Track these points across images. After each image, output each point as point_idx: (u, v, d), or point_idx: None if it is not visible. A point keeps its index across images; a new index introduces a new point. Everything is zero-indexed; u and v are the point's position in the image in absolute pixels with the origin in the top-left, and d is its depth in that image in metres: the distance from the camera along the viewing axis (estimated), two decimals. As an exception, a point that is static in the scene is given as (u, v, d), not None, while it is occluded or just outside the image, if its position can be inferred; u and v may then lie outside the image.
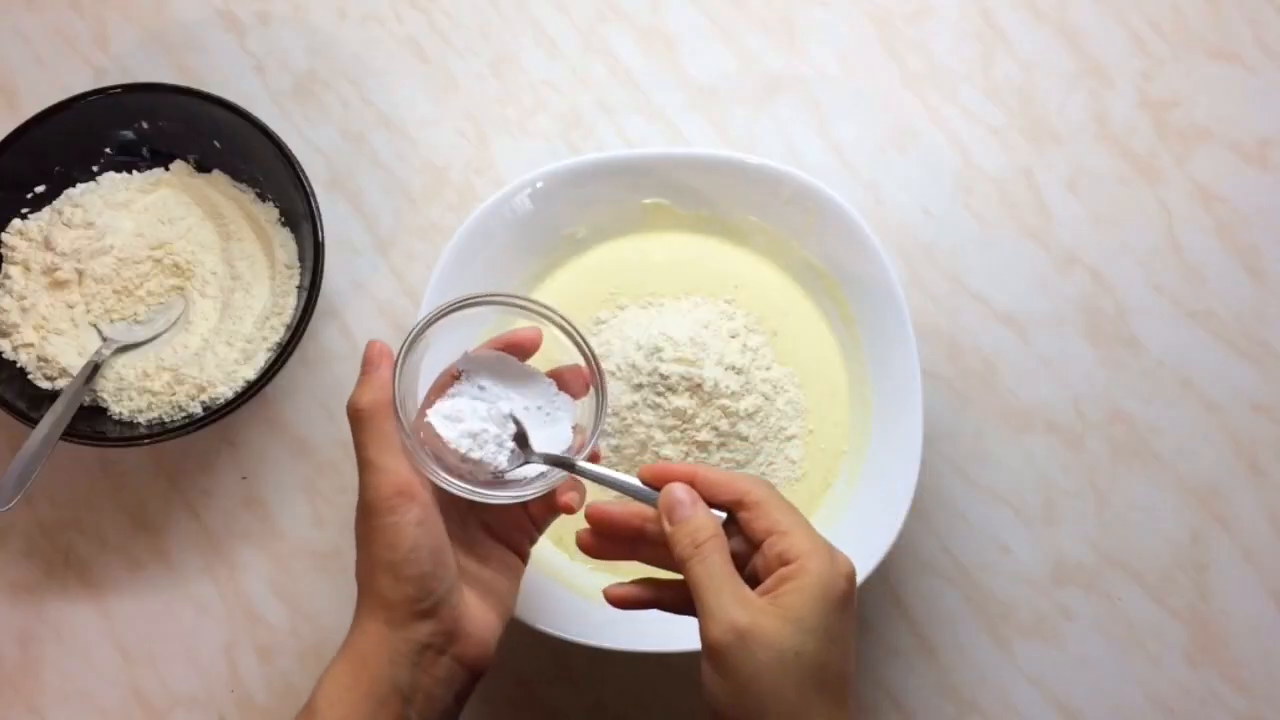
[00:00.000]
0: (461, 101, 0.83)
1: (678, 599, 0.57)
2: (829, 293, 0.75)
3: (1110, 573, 0.75)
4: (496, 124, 0.82)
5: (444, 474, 0.57)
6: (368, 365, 0.57)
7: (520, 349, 0.60)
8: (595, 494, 0.61)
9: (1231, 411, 0.77)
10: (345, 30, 0.84)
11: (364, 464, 0.55)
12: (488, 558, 0.60)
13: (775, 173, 0.74)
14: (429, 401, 0.59)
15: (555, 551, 0.73)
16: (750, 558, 0.55)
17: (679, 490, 0.55)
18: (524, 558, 0.61)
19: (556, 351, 0.61)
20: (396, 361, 0.57)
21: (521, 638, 0.66)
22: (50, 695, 0.76)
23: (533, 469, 0.59)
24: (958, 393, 0.78)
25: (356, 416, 0.55)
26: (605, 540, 0.59)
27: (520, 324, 0.61)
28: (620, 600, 0.58)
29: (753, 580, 0.54)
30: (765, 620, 0.51)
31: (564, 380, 0.61)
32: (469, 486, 0.57)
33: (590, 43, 0.83)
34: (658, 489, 0.56)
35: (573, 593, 0.71)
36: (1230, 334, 0.78)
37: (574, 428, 0.60)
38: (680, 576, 0.55)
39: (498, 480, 0.59)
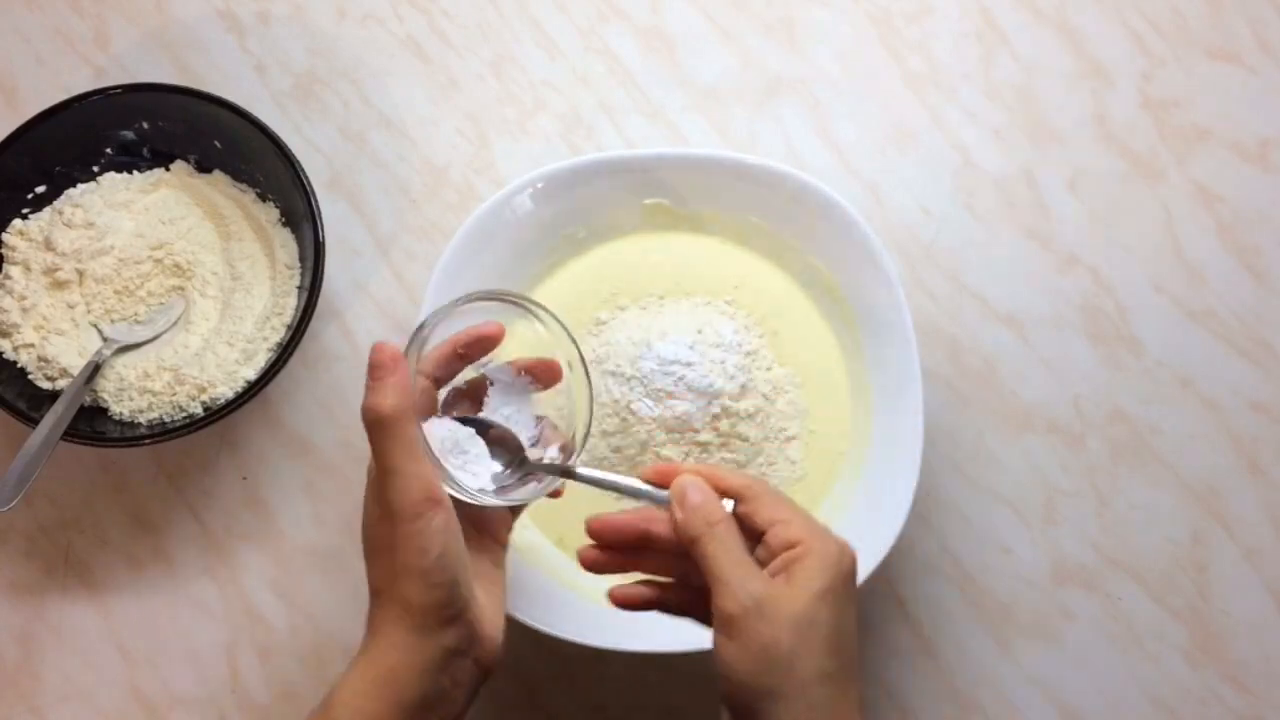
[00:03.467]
0: (461, 101, 0.83)
1: (681, 600, 0.59)
2: (829, 293, 0.75)
3: (1110, 573, 0.75)
4: (496, 124, 0.82)
5: (459, 482, 0.57)
6: (379, 369, 0.54)
7: (485, 342, 0.60)
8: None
9: (1231, 411, 0.77)
10: (345, 30, 0.84)
11: (388, 470, 0.54)
12: (477, 551, 0.60)
13: (775, 173, 0.74)
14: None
15: (555, 551, 0.73)
16: (753, 551, 0.56)
17: (689, 479, 0.56)
18: (504, 545, 0.62)
19: (539, 349, 0.62)
20: (411, 366, 0.55)
21: (521, 638, 0.66)
22: (50, 695, 0.76)
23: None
24: (958, 393, 0.77)
25: (379, 422, 0.54)
26: (609, 551, 0.59)
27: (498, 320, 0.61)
28: (625, 601, 0.59)
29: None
30: (780, 590, 0.52)
31: (531, 372, 0.62)
32: (485, 492, 0.58)
33: (590, 43, 0.83)
34: (662, 488, 0.57)
35: (573, 593, 0.71)
36: (1230, 334, 0.78)
37: (539, 418, 0.62)
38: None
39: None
